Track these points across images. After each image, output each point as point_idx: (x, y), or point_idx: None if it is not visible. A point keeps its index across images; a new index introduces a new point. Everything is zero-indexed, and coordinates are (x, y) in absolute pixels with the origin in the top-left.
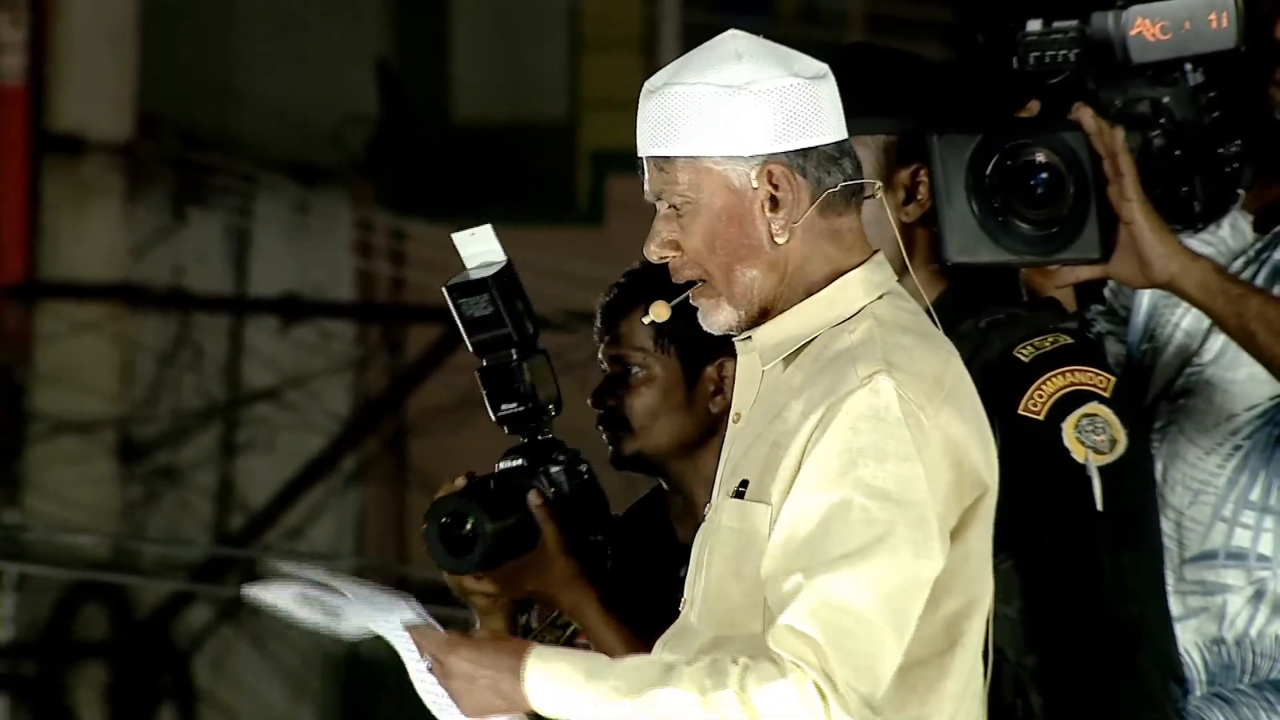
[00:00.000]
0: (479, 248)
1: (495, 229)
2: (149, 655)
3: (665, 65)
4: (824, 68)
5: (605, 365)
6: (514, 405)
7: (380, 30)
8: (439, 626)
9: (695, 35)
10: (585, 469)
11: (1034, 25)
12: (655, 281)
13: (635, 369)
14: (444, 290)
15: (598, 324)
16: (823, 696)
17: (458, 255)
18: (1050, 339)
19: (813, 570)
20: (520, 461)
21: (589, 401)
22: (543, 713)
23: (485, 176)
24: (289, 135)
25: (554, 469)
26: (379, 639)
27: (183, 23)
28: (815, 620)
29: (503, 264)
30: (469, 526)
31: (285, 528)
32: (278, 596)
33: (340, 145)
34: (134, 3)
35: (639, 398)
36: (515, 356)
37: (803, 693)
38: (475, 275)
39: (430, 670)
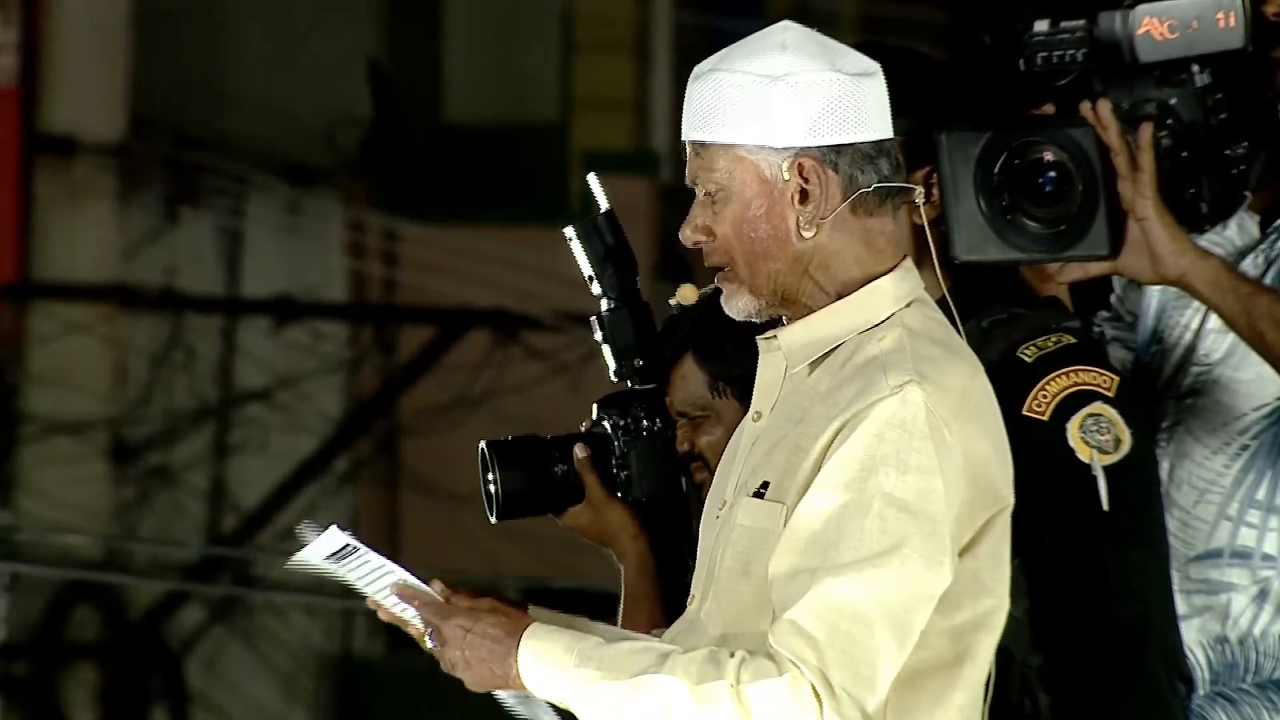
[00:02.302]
0: (599, 193)
1: (487, 229)
2: (141, 656)
3: (657, 66)
4: (874, 66)
5: (674, 416)
6: (606, 348)
7: (373, 31)
8: (429, 589)
9: (687, 36)
10: (649, 424)
11: (1041, 26)
12: (690, 329)
13: (698, 416)
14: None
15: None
16: (817, 699)
17: (451, 256)
18: (1053, 339)
19: (822, 571)
20: (596, 411)
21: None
22: (536, 694)
23: (478, 177)
24: (281, 136)
25: (620, 420)
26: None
27: (175, 23)
28: (819, 621)
29: (604, 212)
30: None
31: (278, 528)
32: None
33: (333, 146)
34: (126, 3)
35: (709, 442)
36: (603, 307)
37: (798, 693)
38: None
39: (431, 639)
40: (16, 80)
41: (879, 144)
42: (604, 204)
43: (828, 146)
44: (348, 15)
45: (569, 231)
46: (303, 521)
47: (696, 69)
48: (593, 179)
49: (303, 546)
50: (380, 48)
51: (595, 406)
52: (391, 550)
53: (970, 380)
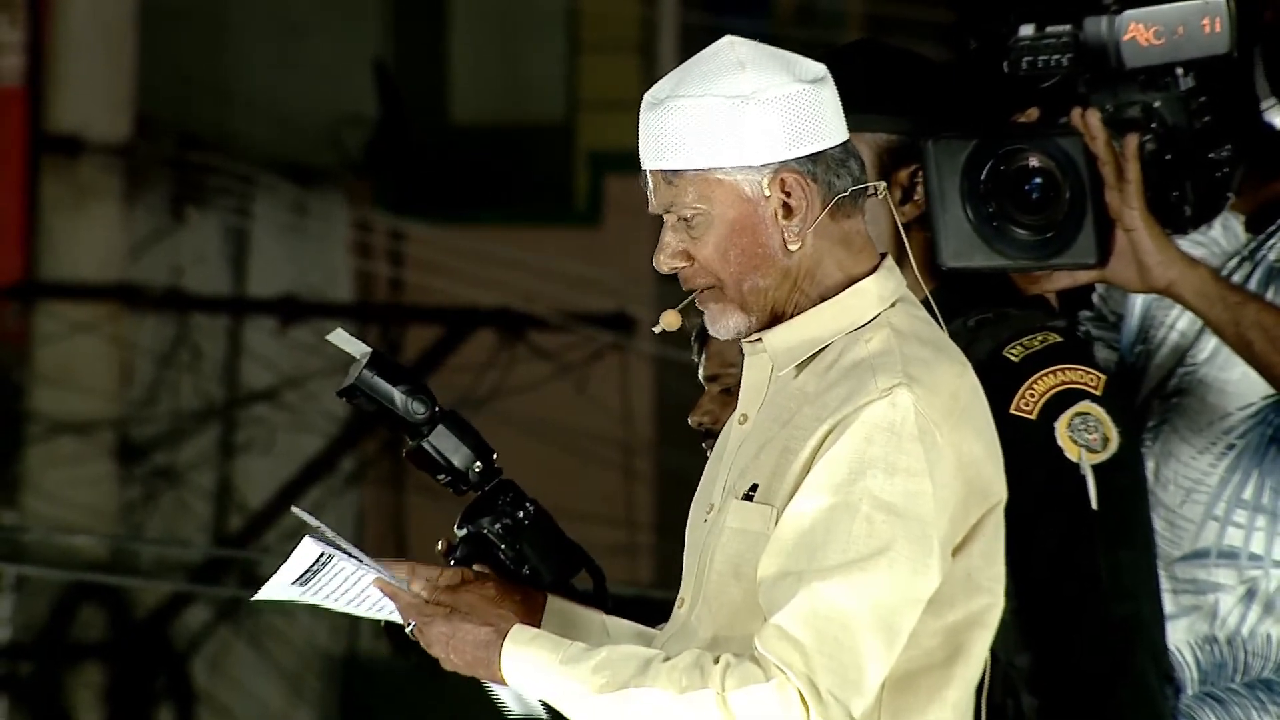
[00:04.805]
0: (349, 346)
1: (492, 229)
2: (147, 656)
3: (663, 66)
4: (823, 70)
5: (704, 384)
6: (442, 476)
7: (378, 31)
8: (403, 585)
9: (693, 36)
10: (523, 514)
11: (1027, 30)
12: None
13: (731, 386)
14: (337, 395)
15: (693, 342)
16: (804, 704)
17: (456, 256)
18: (1040, 338)
19: (809, 574)
20: (466, 529)
21: (689, 420)
22: (522, 693)
23: (483, 177)
24: (287, 136)
25: (495, 526)
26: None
27: (180, 24)
28: (806, 626)
29: (367, 358)
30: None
31: (284, 529)
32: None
33: (338, 146)
34: (132, 4)
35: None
36: (410, 441)
37: (785, 698)
38: (348, 380)
39: (412, 634)
40: (22, 81)
41: (845, 146)
42: (362, 349)
43: (805, 157)
44: (353, 15)
45: (353, 388)
46: (295, 510)
47: (649, 97)
48: (336, 339)
49: (297, 544)
50: (385, 47)
51: (458, 528)
52: (398, 551)
53: (959, 380)
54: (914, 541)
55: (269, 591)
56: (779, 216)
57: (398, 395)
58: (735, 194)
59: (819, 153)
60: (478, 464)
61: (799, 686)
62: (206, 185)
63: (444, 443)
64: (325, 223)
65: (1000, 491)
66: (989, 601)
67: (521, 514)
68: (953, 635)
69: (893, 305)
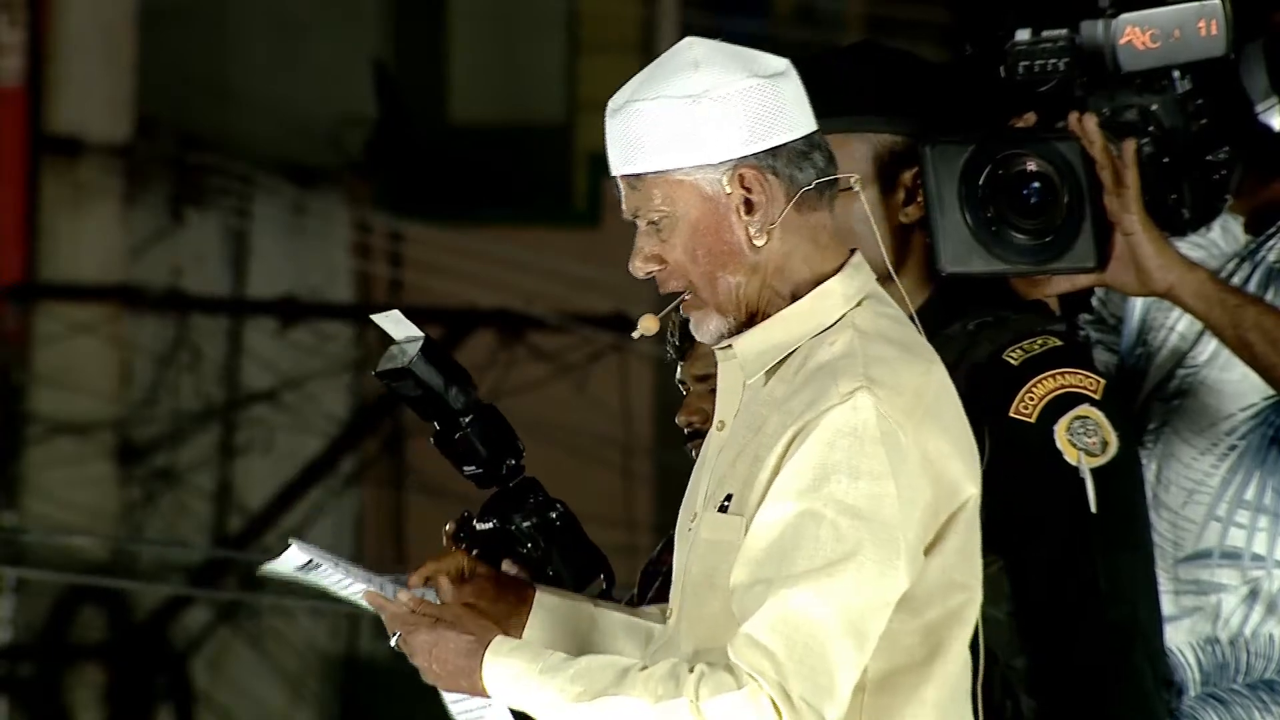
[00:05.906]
0: (398, 329)
1: (491, 229)
2: (147, 656)
3: None
4: (784, 64)
5: (688, 384)
6: (471, 468)
7: (378, 31)
8: (394, 596)
9: (692, 36)
10: (554, 514)
11: (1023, 34)
12: None
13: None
14: (375, 376)
15: (673, 344)
16: (777, 711)
17: (456, 257)
18: (1039, 341)
19: (777, 582)
20: (492, 523)
21: (676, 420)
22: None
23: (482, 177)
24: (286, 136)
25: (525, 524)
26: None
27: (180, 24)
28: (775, 633)
29: (420, 343)
30: None
31: (283, 530)
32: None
33: (338, 146)
34: (132, 4)
35: None
36: (439, 428)
37: (757, 706)
38: (396, 363)
39: (397, 644)
40: (22, 81)
41: (808, 139)
42: (415, 333)
43: (763, 151)
44: (353, 15)
45: (404, 370)
46: (291, 539)
47: (611, 103)
48: (386, 320)
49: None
50: (385, 48)
51: (481, 520)
52: (397, 551)
53: (924, 378)
54: (880, 545)
55: (273, 567)
56: (741, 213)
57: (448, 384)
58: (696, 193)
59: (778, 147)
60: (510, 459)
61: (771, 694)
62: (206, 185)
63: (482, 434)
64: (325, 223)
65: (971, 488)
66: (966, 598)
67: (553, 514)
68: (931, 633)
69: (859, 304)
